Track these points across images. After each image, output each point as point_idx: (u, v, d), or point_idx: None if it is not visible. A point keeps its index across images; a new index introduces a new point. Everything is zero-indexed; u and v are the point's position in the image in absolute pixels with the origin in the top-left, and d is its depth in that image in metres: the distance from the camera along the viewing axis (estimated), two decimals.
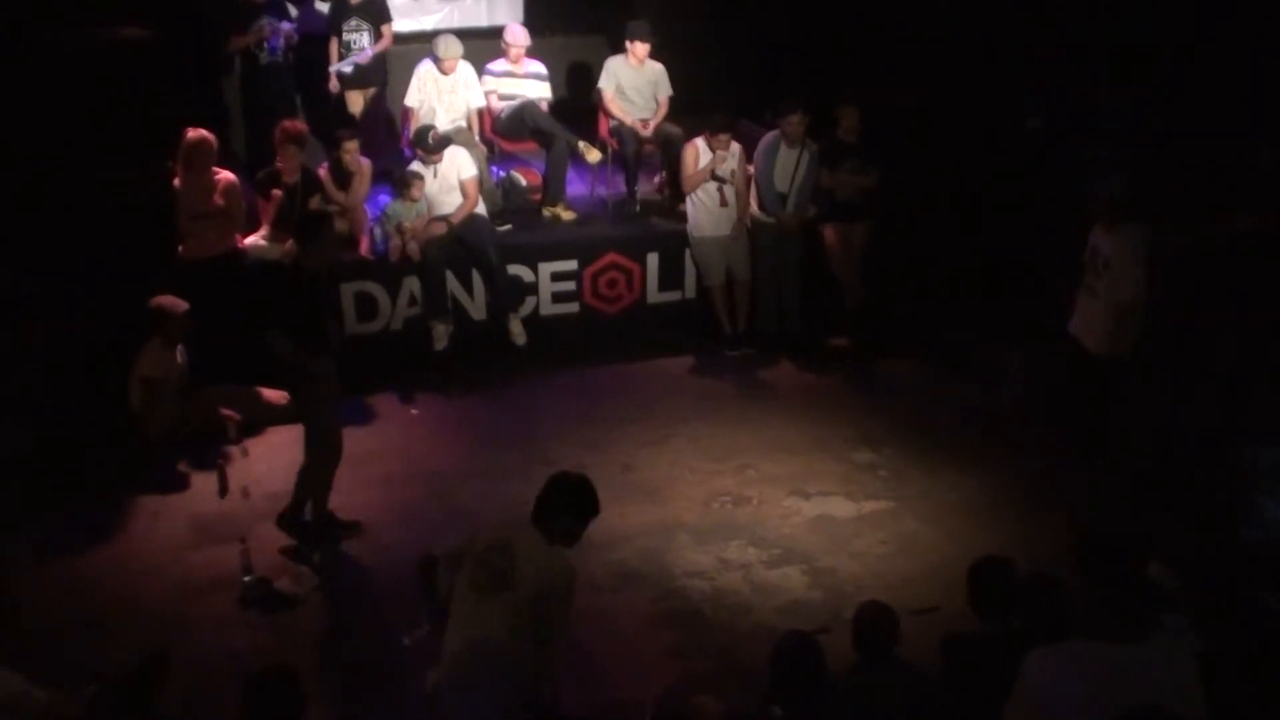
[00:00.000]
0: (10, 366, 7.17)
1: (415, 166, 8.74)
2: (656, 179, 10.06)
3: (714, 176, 8.89)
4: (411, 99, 9.36)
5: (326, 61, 9.60)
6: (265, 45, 9.28)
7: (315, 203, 8.29)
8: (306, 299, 6.30)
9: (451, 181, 8.72)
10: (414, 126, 9.11)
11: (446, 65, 9.25)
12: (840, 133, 8.92)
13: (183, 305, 7.36)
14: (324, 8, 10.00)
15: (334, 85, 9.62)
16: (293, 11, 9.63)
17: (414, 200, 8.63)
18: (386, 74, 9.89)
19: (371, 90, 9.79)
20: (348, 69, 9.56)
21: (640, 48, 9.41)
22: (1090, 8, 9.12)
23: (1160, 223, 7.13)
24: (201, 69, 9.41)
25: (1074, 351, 7.24)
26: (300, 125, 8.56)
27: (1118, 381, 7.23)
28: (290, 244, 7.65)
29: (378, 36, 9.66)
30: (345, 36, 9.57)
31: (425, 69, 9.35)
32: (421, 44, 9.77)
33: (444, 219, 8.68)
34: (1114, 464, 7.28)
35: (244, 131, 9.60)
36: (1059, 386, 7.41)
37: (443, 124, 9.18)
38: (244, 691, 4.06)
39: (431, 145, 8.61)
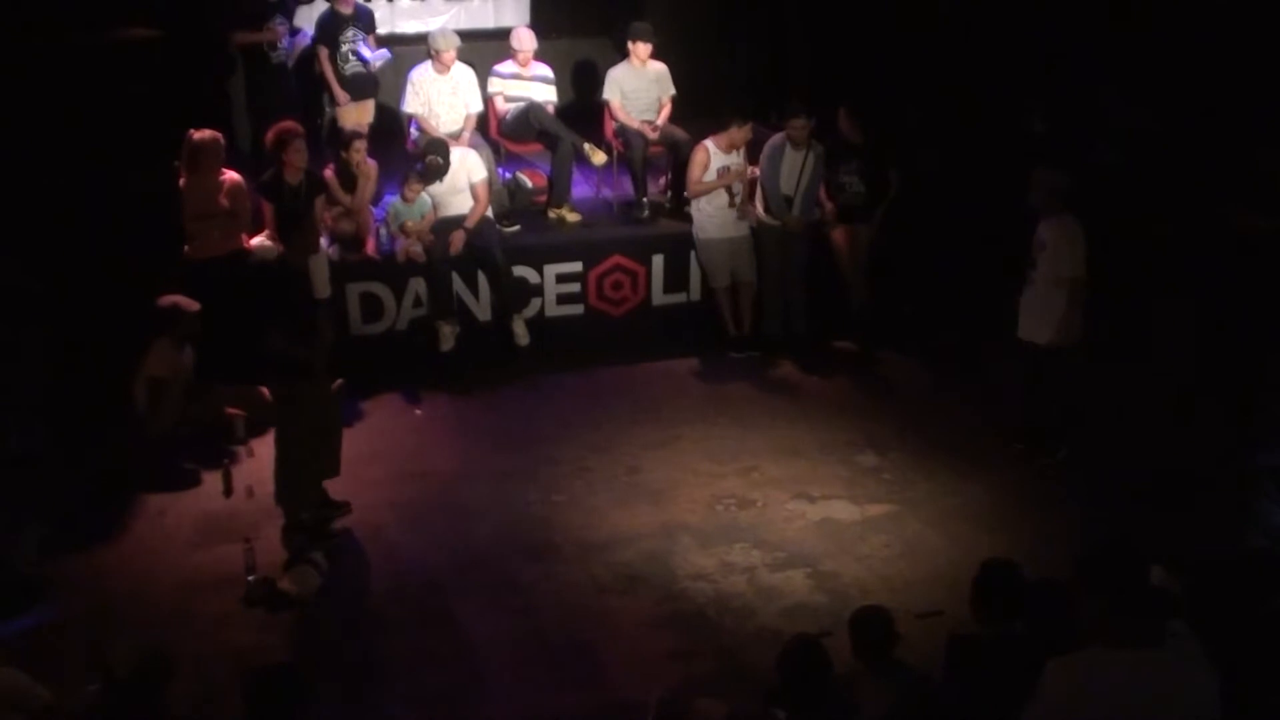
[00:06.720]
0: (18, 365, 7.18)
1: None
2: (661, 181, 10.06)
3: (729, 192, 8.89)
4: (411, 105, 9.27)
5: (319, 70, 9.57)
6: (280, 44, 9.26)
7: (320, 204, 8.30)
8: (294, 295, 6.38)
9: (459, 184, 8.67)
10: (424, 132, 9.10)
11: (445, 58, 9.15)
12: (842, 133, 8.93)
13: (195, 305, 7.37)
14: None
15: (342, 97, 9.53)
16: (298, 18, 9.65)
17: (408, 201, 8.63)
18: (378, 85, 9.82)
19: (367, 102, 9.72)
20: (375, 63, 9.51)
21: (642, 48, 9.40)
22: (1092, 10, 9.12)
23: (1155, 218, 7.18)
24: (208, 67, 9.41)
25: (1028, 354, 7.32)
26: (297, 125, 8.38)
27: (1066, 372, 7.28)
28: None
29: (375, 44, 9.63)
30: (344, 48, 9.47)
31: (420, 74, 9.24)
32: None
33: (459, 225, 8.58)
34: (1075, 459, 7.37)
35: (250, 130, 9.55)
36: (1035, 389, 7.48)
37: (448, 129, 9.15)
38: (245, 689, 4.07)
39: (422, 175, 8.55)
